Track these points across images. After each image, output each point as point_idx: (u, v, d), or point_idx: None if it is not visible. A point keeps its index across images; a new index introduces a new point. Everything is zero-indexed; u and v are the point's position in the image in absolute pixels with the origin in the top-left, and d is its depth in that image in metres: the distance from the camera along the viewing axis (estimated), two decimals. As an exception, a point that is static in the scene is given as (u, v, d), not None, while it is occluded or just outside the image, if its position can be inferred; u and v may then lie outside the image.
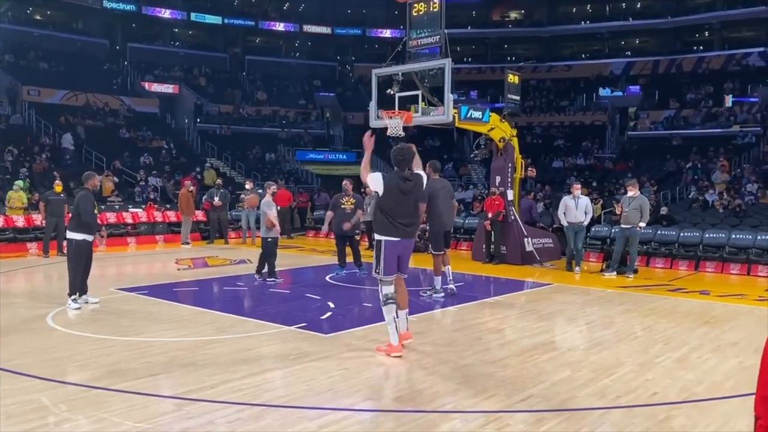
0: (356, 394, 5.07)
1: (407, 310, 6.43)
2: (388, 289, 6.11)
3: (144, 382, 5.22)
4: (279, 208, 12.02)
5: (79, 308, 8.06)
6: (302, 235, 19.53)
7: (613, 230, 13.78)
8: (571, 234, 12.37)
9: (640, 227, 11.85)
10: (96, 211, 8.30)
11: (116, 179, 20.64)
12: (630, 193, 11.98)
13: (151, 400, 4.83)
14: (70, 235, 8.20)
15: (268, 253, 10.47)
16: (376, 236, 6.18)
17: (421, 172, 6.39)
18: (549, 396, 5.04)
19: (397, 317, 6.21)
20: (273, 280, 10.44)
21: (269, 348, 6.40)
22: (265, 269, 10.57)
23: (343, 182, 11.84)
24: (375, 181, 6.07)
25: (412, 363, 5.90)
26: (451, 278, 9.55)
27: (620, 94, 33.46)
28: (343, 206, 11.25)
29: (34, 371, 5.45)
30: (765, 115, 26.46)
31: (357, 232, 12.01)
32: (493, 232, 13.45)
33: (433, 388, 5.20)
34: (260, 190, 20.75)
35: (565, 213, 12.41)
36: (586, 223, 12.40)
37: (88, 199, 8.19)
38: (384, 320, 6.24)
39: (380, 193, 6.10)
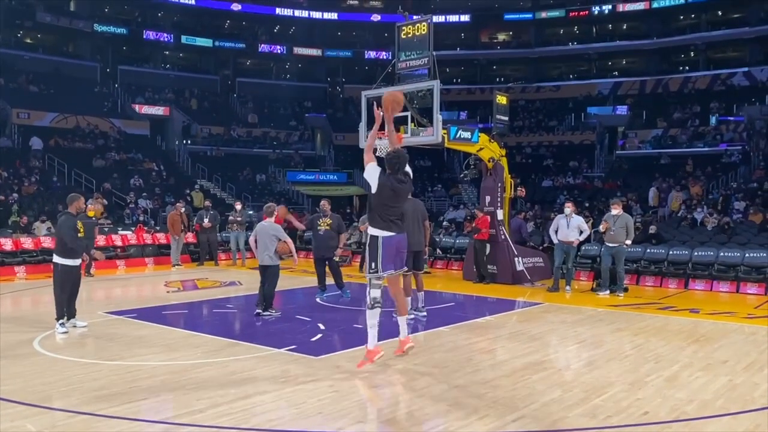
0: (346, 417, 5.03)
1: (407, 316, 6.67)
2: (376, 293, 6.27)
3: (132, 407, 5.16)
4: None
5: (66, 332, 7.98)
6: (292, 256, 19.41)
7: (602, 249, 13.82)
8: (560, 252, 12.38)
9: (627, 245, 11.92)
10: (81, 234, 8.16)
11: (105, 201, 20.54)
12: (614, 212, 12.02)
13: (138, 425, 4.78)
14: (55, 259, 8.12)
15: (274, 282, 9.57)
16: (371, 232, 6.26)
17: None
18: (540, 416, 5.02)
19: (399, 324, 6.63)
20: (273, 312, 9.48)
21: (259, 371, 6.35)
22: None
23: (321, 202, 11.48)
24: (370, 173, 6.14)
25: (403, 384, 5.86)
26: (422, 303, 9.31)
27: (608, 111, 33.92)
28: (318, 228, 10.85)
29: (19, 397, 5.38)
30: (750, 133, 26.80)
31: (346, 258, 11.59)
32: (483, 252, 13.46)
33: (424, 410, 5.17)
34: (251, 211, 20.80)
35: (557, 231, 12.46)
36: (580, 239, 12.40)
37: (68, 224, 8.04)
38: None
39: (373, 188, 6.14)
